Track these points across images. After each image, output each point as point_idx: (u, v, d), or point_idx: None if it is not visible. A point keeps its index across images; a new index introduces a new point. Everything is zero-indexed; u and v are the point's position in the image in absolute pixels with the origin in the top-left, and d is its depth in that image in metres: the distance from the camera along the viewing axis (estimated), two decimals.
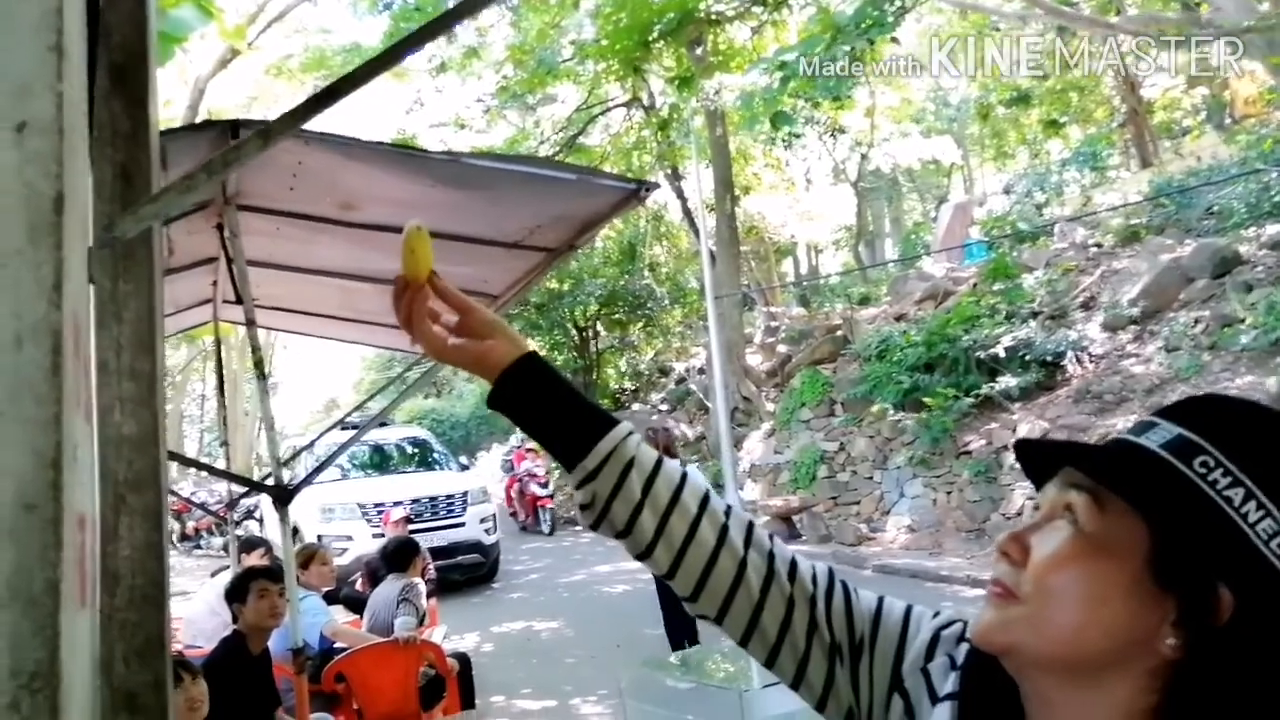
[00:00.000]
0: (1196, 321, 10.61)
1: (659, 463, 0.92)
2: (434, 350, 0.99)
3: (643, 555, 0.92)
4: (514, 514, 16.27)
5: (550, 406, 0.94)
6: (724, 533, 0.91)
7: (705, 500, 0.93)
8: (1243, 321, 9.97)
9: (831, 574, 0.94)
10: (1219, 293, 10.81)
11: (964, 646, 0.84)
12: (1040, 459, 0.79)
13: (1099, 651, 0.69)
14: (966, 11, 20.17)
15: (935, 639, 0.87)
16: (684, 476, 0.94)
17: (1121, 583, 0.68)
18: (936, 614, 0.91)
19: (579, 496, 0.92)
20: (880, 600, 0.92)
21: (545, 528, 15.18)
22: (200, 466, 6.50)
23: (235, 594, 3.58)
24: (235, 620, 3.57)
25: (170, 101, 19.10)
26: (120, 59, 1.47)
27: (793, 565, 0.93)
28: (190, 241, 3.88)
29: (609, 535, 0.93)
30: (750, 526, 0.94)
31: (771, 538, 0.94)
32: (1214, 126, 19.01)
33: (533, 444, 12.12)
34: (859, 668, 0.89)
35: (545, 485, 15.42)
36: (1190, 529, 0.67)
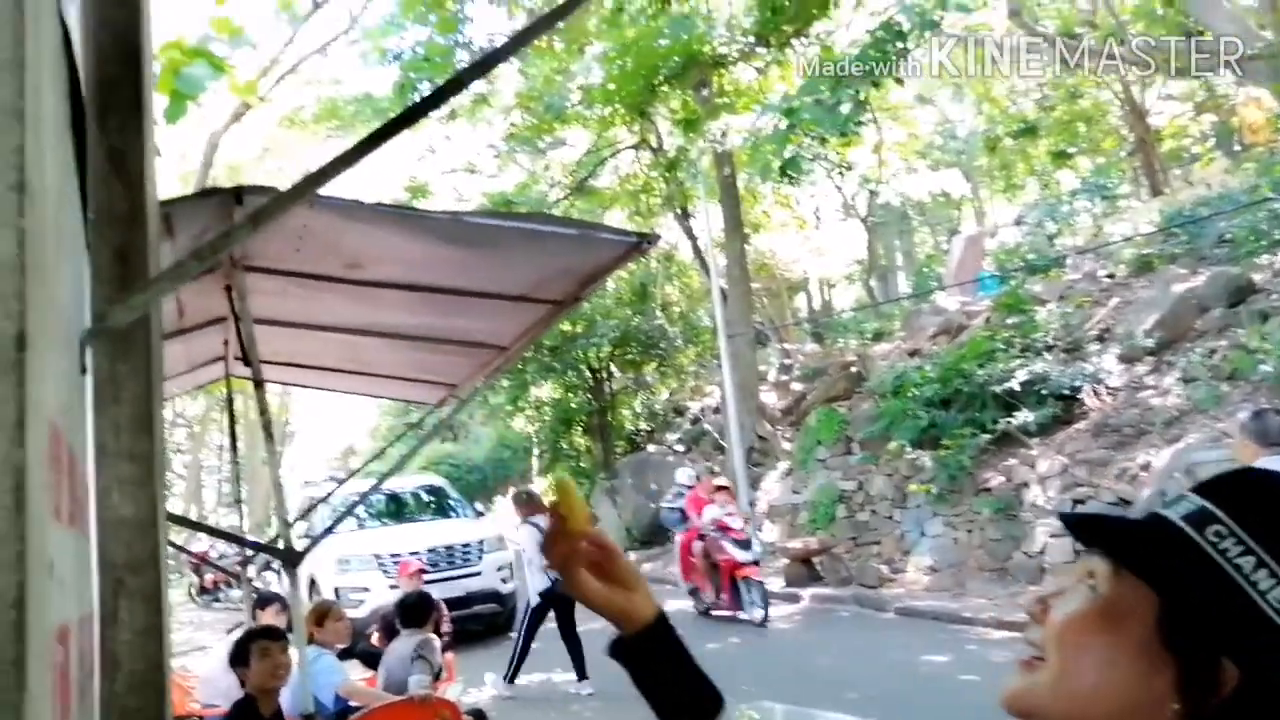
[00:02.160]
0: (1213, 352, 10.51)
1: None
2: (582, 593, 1.00)
3: None
4: (695, 590, 10.88)
5: (668, 674, 0.97)
6: None
7: None
8: (1260, 350, 9.87)
9: None
10: (1234, 322, 10.72)
11: None
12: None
13: (1108, 713, 0.70)
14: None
15: None
16: None
17: (1131, 647, 0.69)
18: None
19: None
20: None
21: (753, 610, 9.91)
22: (208, 531, 6.49)
23: (238, 658, 3.56)
24: (243, 684, 3.55)
25: (185, 155, 19.46)
26: (118, 142, 1.49)
27: None
28: (201, 301, 3.92)
29: None
30: None
31: None
32: (1223, 153, 19.01)
33: (723, 480, 11.78)
34: None
35: (746, 545, 10.02)
36: (1196, 595, 0.67)
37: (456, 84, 1.52)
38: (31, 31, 0.63)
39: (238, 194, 2.68)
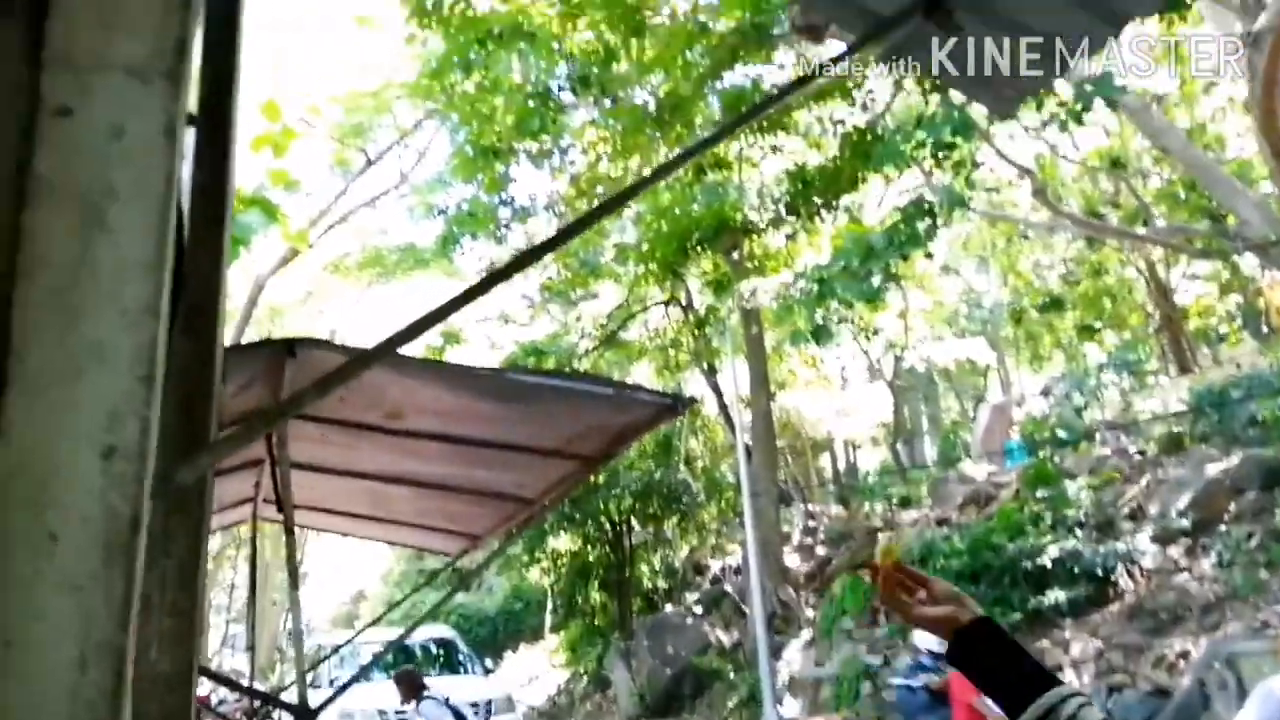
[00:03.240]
0: (1250, 535, 10.26)
1: None
2: (904, 613, 1.22)
3: None
4: None
5: (1000, 662, 1.11)
6: None
7: None
8: None
9: None
10: (1270, 506, 10.51)
11: None
12: None
13: None
14: (996, 221, 20.97)
15: None
16: None
17: None
18: None
19: None
20: None
21: None
22: (224, 683, 6.34)
23: None
24: None
25: (230, 296, 20.12)
26: (196, 299, 1.57)
27: None
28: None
29: None
30: None
31: None
32: (1250, 333, 19.13)
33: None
34: None
35: None
36: None
37: (518, 264, 1.61)
38: (170, 235, 0.69)
39: (290, 346, 2.77)
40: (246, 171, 6.10)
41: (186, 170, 1.34)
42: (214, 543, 27.49)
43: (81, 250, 0.62)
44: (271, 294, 21.66)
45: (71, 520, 0.58)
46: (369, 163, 19.71)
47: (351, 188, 20.54)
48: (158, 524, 1.45)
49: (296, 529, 4.14)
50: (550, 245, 1.54)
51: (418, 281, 22.07)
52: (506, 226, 16.22)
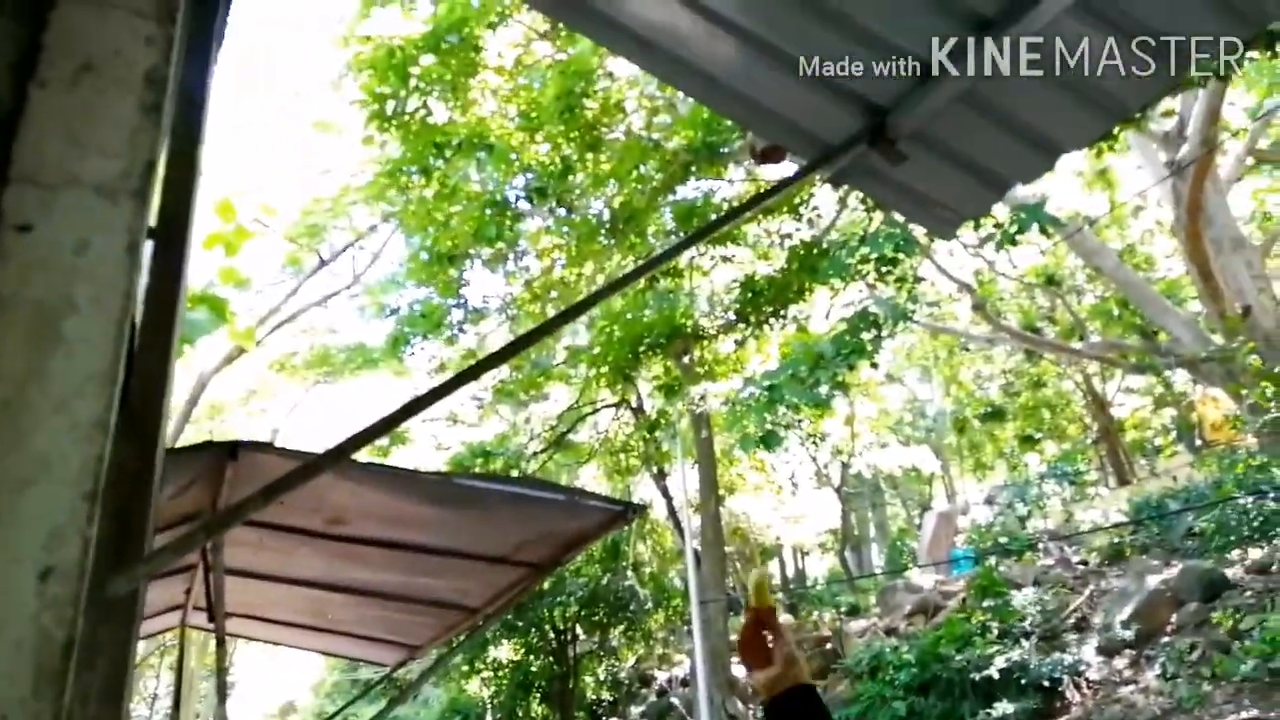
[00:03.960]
0: (1192, 647, 10.33)
1: None
2: (755, 669, 1.26)
3: None
4: None
5: None
6: None
7: None
8: (1240, 650, 9.71)
9: None
10: (1210, 617, 10.62)
11: None
12: None
13: None
14: (938, 334, 21.56)
15: None
16: None
17: None
18: None
19: None
20: None
21: None
22: None
23: None
24: None
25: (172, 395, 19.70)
26: (138, 404, 1.54)
27: None
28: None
29: None
30: None
31: None
32: (1186, 446, 19.67)
33: None
34: None
35: None
36: None
37: (472, 373, 1.61)
38: (124, 349, 0.69)
39: (232, 449, 2.71)
40: (196, 269, 6.06)
41: (142, 282, 1.34)
42: (138, 650, 26.13)
43: (34, 363, 0.62)
44: (214, 391, 21.24)
45: (4, 644, 0.56)
46: (322, 263, 19.72)
47: (303, 287, 20.47)
48: (85, 635, 1.39)
49: (227, 638, 3.98)
50: (504, 355, 1.57)
51: (365, 381, 21.87)
52: (460, 328, 16.26)
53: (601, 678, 21.09)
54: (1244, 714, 8.86)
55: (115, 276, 0.64)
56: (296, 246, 18.89)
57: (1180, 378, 17.40)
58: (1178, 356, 13.92)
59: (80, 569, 0.58)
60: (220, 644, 3.03)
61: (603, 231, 13.40)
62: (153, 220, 1.20)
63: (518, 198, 13.07)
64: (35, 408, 0.62)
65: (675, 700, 17.94)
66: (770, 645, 1.23)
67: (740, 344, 17.46)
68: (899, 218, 9.23)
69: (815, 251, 12.06)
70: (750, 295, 13.22)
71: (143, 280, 1.31)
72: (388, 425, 1.53)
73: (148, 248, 1.19)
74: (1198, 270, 13.52)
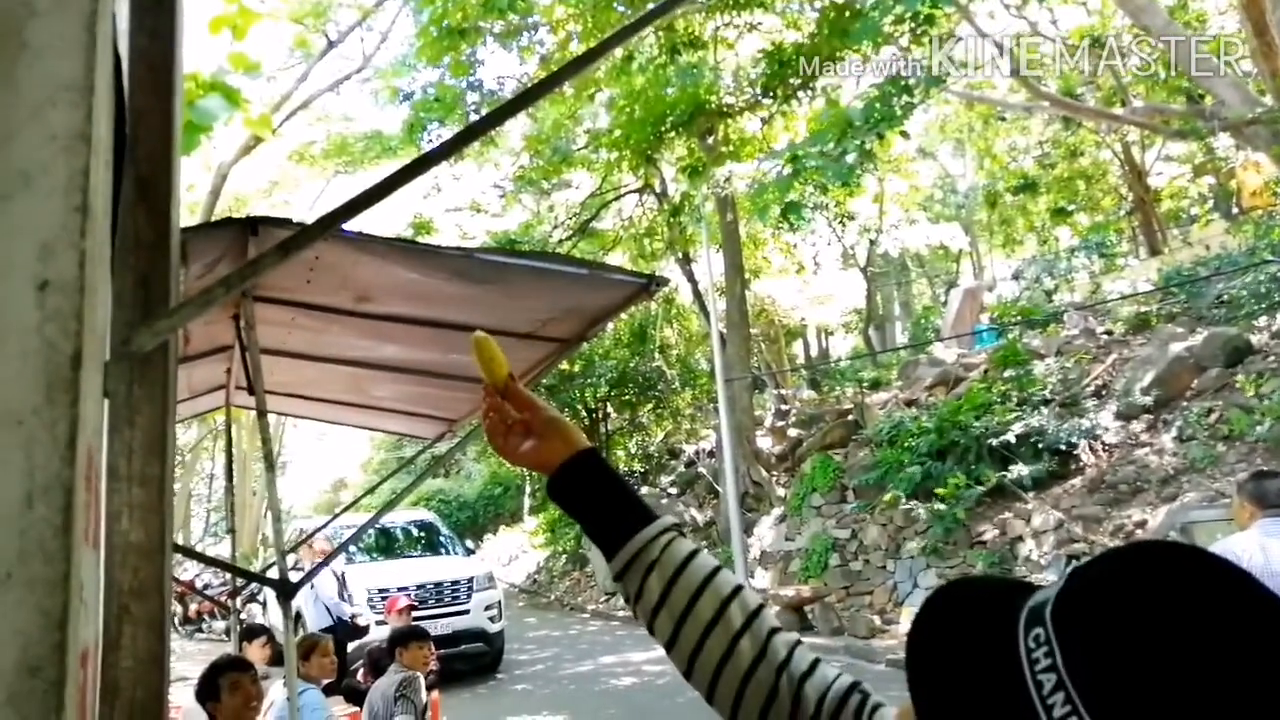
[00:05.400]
0: (1210, 411, 10.54)
1: (683, 565, 0.94)
2: (507, 453, 1.06)
3: (669, 651, 0.95)
4: None
5: (596, 502, 1.01)
6: (734, 642, 0.90)
7: (722, 609, 0.92)
8: (1257, 411, 9.90)
9: (847, 694, 0.90)
10: (1231, 382, 10.76)
11: None
12: None
13: None
14: (973, 104, 20.64)
15: None
16: (708, 579, 0.94)
17: None
18: None
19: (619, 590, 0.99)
20: None
21: None
22: (204, 560, 6.40)
23: (206, 692, 3.44)
24: (213, 718, 3.45)
25: (193, 186, 19.59)
26: (146, 171, 1.50)
27: (799, 687, 0.90)
28: (206, 330, 3.93)
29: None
30: (767, 638, 0.92)
31: (792, 652, 0.92)
32: (1221, 215, 19.20)
33: None
34: None
35: None
36: (981, 713, 0.57)
37: (473, 132, 1.55)
38: (100, 59, 0.65)
39: (253, 225, 2.70)
40: (205, 56, 5.84)
41: (124, 20, 1.27)
42: (192, 433, 27.59)
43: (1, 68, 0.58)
44: (235, 183, 21.11)
45: (9, 355, 0.56)
46: (330, 44, 18.95)
47: (313, 72, 19.80)
48: (121, 394, 1.44)
49: (273, 416, 4.13)
50: (516, 106, 1.49)
51: (385, 170, 21.56)
52: (476, 111, 15.77)
53: (632, 451, 22.09)
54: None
55: None
56: (303, 28, 18.09)
57: (1223, 143, 16.70)
58: (1223, 120, 13.29)
59: (78, 284, 0.56)
60: (261, 416, 3.15)
61: None
62: None
63: None
64: (9, 118, 0.58)
65: (703, 470, 18.81)
66: (526, 419, 1.04)
67: (767, 121, 16.88)
68: None
69: (847, 14, 11.36)
70: (778, 66, 12.61)
71: (124, 19, 1.23)
72: (390, 186, 1.49)
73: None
74: (1252, 25, 12.61)
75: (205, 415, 10.27)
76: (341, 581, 9.26)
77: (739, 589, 0.95)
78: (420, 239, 17.82)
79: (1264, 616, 0.52)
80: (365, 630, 8.88)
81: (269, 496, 3.27)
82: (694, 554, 0.96)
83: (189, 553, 5.02)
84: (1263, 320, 11.73)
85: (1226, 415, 10.27)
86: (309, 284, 3.36)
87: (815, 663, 0.93)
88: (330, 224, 1.70)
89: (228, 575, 9.77)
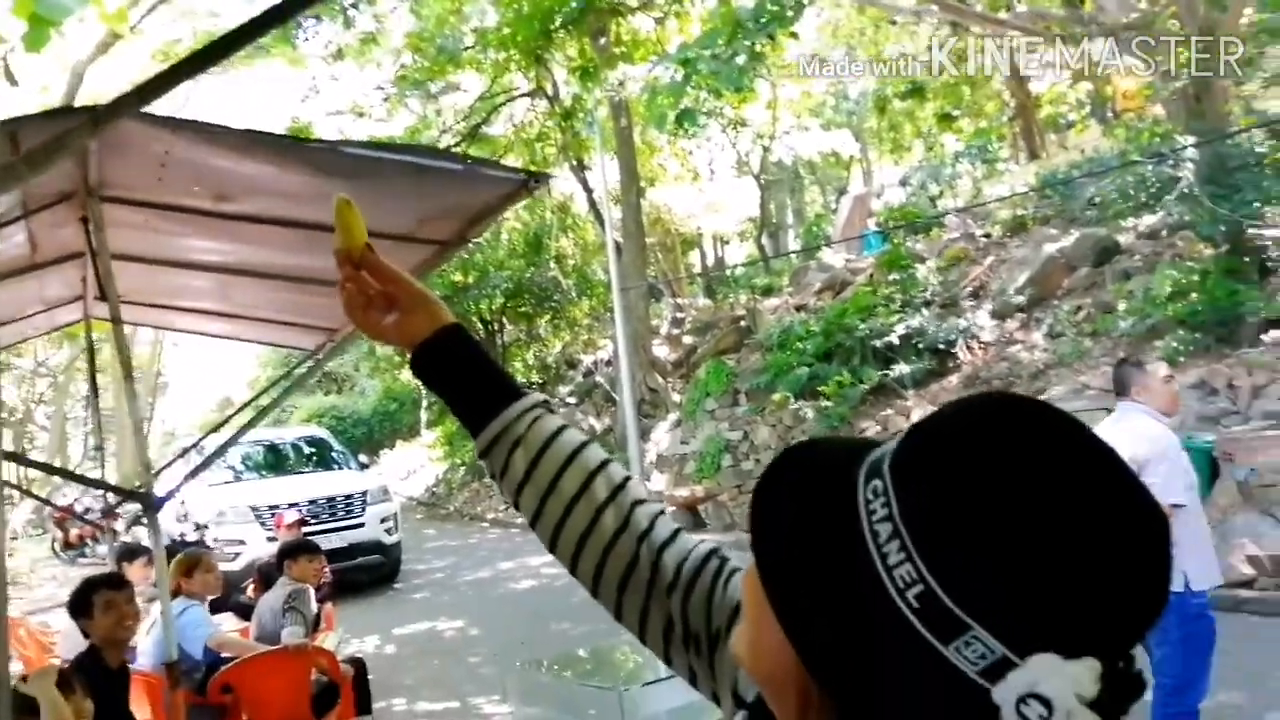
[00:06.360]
0: (1079, 309, 11.09)
1: (550, 440, 0.93)
2: (367, 329, 1.00)
3: (533, 526, 0.94)
4: None
5: (460, 379, 0.96)
6: (597, 515, 0.90)
7: (587, 483, 0.91)
8: (1121, 308, 10.46)
9: (705, 560, 0.91)
10: (1100, 281, 11.32)
11: None
12: None
13: (767, 671, 0.63)
14: (864, 7, 20.62)
15: None
16: (574, 454, 0.93)
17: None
18: None
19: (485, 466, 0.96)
20: None
21: None
22: (54, 471, 6.12)
23: (78, 608, 3.32)
24: (86, 635, 3.34)
25: (47, 88, 18.10)
26: None
27: (659, 555, 0.90)
28: (55, 235, 3.66)
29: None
30: (630, 510, 0.92)
31: (654, 522, 0.92)
32: (1097, 120, 19.90)
33: None
34: (715, 660, 0.87)
35: None
36: (820, 564, 0.57)
37: None
38: None
39: (95, 115, 2.49)
40: None
41: None
42: (64, 354, 26.16)
43: None
44: (92, 86, 19.57)
45: None
46: None
47: None
48: None
49: (150, 334, 3.91)
50: None
51: (259, 71, 20.35)
52: (354, 5, 14.96)
53: (530, 363, 22.03)
54: None
55: None
56: None
57: (1100, 50, 17.17)
58: (1100, 25, 13.65)
59: None
60: (116, 324, 2.97)
61: None
62: None
63: None
64: None
65: (600, 379, 18.93)
66: (390, 290, 0.97)
67: (660, 21, 16.54)
68: None
69: None
70: None
71: None
72: (221, 50, 1.37)
73: None
74: None
75: (73, 333, 9.68)
76: (180, 502, 8.97)
77: (606, 462, 0.94)
78: None
79: (1092, 461, 0.53)
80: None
81: (130, 409, 3.11)
82: (561, 429, 0.94)
83: (31, 463, 4.76)
84: (1130, 221, 12.30)
85: (1094, 313, 10.83)
86: (161, 182, 3.15)
87: (676, 532, 0.93)
88: (157, 88, 1.57)
89: (109, 499, 9.41)
